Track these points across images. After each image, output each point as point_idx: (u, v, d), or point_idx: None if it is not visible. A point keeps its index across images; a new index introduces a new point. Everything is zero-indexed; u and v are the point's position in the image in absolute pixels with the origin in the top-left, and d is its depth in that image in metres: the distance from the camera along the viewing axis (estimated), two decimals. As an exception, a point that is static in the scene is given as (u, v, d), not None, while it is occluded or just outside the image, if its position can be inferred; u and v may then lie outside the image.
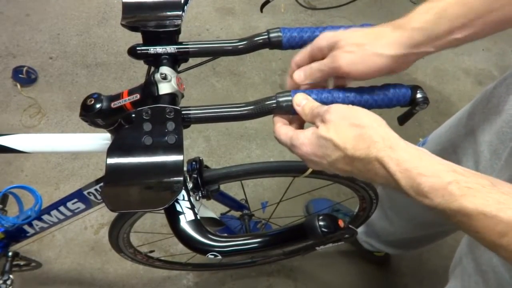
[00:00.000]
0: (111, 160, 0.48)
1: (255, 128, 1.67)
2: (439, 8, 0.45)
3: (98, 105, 0.56)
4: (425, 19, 0.46)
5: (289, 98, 0.51)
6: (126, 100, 0.56)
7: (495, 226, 0.34)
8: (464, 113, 0.76)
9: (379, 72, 0.49)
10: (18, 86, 1.71)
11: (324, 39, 0.51)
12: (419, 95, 0.52)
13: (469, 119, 0.73)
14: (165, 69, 0.56)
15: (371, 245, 1.26)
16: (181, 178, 0.47)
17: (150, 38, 0.59)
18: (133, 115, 0.55)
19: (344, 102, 0.51)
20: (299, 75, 0.53)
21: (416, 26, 0.46)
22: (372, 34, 0.48)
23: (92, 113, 0.56)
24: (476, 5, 0.44)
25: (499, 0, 0.44)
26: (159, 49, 0.59)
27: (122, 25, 0.60)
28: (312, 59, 0.53)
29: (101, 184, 0.78)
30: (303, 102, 0.49)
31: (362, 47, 0.47)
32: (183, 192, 0.47)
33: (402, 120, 0.58)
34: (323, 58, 0.51)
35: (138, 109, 0.51)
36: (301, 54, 0.54)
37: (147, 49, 0.59)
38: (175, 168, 0.48)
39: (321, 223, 0.43)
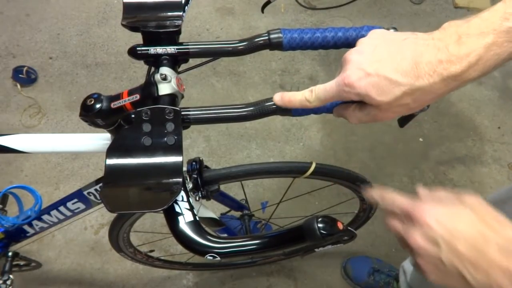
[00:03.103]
0: (111, 161, 0.48)
1: (255, 128, 1.67)
2: (504, 54, 0.39)
3: (98, 105, 0.56)
4: (482, 71, 0.40)
5: None
6: (126, 101, 0.56)
7: None
8: None
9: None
10: (18, 86, 1.71)
11: (355, 94, 0.44)
12: None
13: None
14: (165, 70, 0.56)
15: None
16: (180, 179, 0.47)
17: (151, 39, 0.59)
18: (133, 116, 0.55)
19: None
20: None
21: (474, 77, 0.40)
22: (422, 92, 0.41)
23: (92, 113, 0.56)
24: None
25: None
26: (159, 50, 0.59)
27: (123, 25, 0.60)
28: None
29: (101, 184, 0.78)
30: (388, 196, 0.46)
31: (408, 106, 0.43)
32: (182, 193, 0.47)
33: (402, 122, 0.58)
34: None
35: (138, 109, 0.51)
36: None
37: (147, 50, 0.59)
38: (174, 169, 0.48)
39: (320, 225, 0.43)
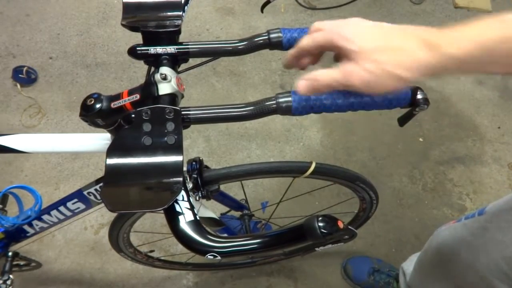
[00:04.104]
0: (111, 161, 0.48)
1: (255, 128, 1.67)
2: (485, 40, 0.39)
3: (98, 105, 0.56)
4: (465, 48, 0.40)
5: (289, 99, 0.51)
6: (126, 101, 0.56)
7: None
8: None
9: (392, 91, 0.45)
10: (18, 86, 1.71)
11: (331, 35, 0.46)
12: (419, 96, 0.52)
13: None
14: (165, 70, 0.56)
15: None
16: (181, 179, 0.47)
17: (150, 38, 0.59)
18: (133, 116, 0.55)
19: (344, 103, 0.51)
20: (303, 86, 0.47)
21: (452, 53, 0.40)
22: (397, 50, 0.42)
23: (92, 113, 0.56)
24: None
25: None
26: (159, 49, 0.59)
27: (123, 25, 0.60)
28: (307, 54, 0.51)
29: (101, 184, 0.78)
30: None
31: (381, 65, 0.42)
32: (183, 192, 0.47)
33: (403, 121, 0.57)
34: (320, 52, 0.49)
35: (138, 109, 0.51)
36: (295, 52, 0.51)
37: (147, 49, 0.59)
38: (175, 169, 0.48)
39: (320, 224, 0.43)
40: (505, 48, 0.39)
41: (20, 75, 1.70)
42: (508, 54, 0.40)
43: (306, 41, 0.49)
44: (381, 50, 0.42)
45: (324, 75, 0.45)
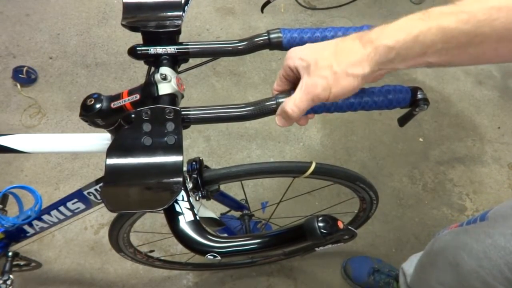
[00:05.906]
0: (111, 161, 0.48)
1: (255, 128, 1.67)
2: (415, 30, 0.43)
3: (98, 105, 0.56)
4: (397, 38, 0.43)
5: None
6: (126, 101, 0.56)
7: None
8: None
9: (354, 91, 0.47)
10: (18, 86, 1.71)
11: (292, 60, 0.51)
12: (419, 97, 0.52)
13: None
14: (165, 70, 0.56)
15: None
16: (181, 179, 0.47)
17: (150, 38, 0.59)
18: (133, 116, 0.55)
19: (344, 104, 0.51)
20: (283, 123, 0.51)
21: (387, 44, 0.44)
22: (342, 52, 0.47)
23: (92, 113, 0.56)
24: (456, 35, 0.41)
25: (479, 35, 0.41)
26: (159, 50, 0.59)
27: (123, 25, 0.60)
28: (289, 79, 0.53)
29: (101, 184, 0.78)
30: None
31: (333, 68, 0.46)
32: (183, 192, 0.47)
33: (402, 121, 0.58)
34: (297, 77, 0.51)
35: (138, 109, 0.51)
36: (278, 79, 0.54)
37: (147, 50, 0.59)
38: (175, 169, 0.48)
39: (320, 224, 0.43)
40: (431, 37, 0.42)
41: (20, 75, 1.70)
42: (433, 43, 0.43)
43: (281, 70, 0.53)
44: (328, 57, 0.47)
45: (293, 107, 0.49)
